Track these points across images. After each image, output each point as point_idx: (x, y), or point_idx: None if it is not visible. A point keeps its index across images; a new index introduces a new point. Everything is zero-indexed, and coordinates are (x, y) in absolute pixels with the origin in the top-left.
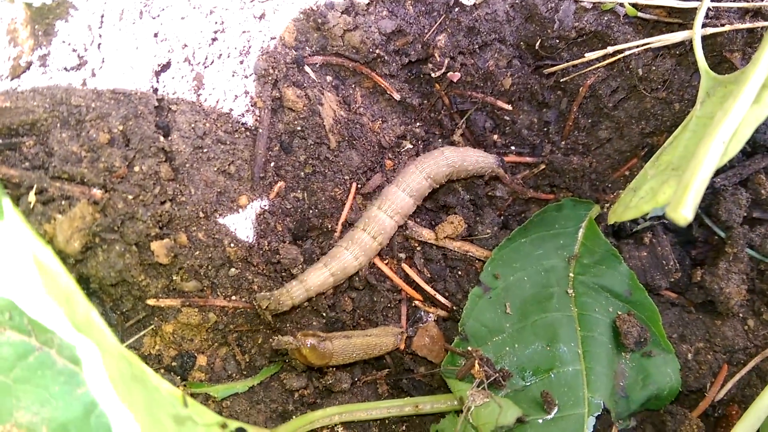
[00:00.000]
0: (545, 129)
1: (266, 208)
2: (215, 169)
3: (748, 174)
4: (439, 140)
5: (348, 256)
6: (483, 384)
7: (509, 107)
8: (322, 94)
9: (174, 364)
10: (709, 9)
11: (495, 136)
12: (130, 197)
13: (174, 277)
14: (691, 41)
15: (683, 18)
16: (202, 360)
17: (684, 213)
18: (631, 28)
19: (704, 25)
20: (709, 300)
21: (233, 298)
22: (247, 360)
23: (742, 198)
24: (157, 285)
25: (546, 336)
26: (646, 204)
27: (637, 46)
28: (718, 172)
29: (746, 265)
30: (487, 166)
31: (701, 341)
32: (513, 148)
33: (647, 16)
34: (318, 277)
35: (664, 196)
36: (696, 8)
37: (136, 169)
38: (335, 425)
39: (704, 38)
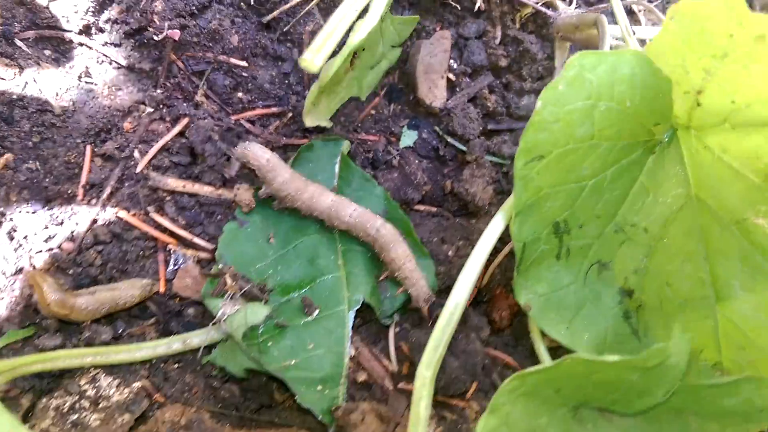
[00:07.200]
0: (286, 81)
1: None
2: None
3: (474, 93)
4: (184, 104)
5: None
6: (234, 295)
7: (245, 63)
8: (39, 64)
9: None
10: None
11: (239, 94)
12: None
13: None
14: None
15: None
16: None
17: (312, 60)
18: None
19: None
20: (463, 205)
21: None
22: None
23: (472, 113)
24: None
25: (308, 255)
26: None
27: None
28: (449, 97)
29: (489, 170)
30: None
31: (461, 240)
32: (260, 103)
33: None
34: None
35: None
36: None
37: None
38: (93, 369)
39: None
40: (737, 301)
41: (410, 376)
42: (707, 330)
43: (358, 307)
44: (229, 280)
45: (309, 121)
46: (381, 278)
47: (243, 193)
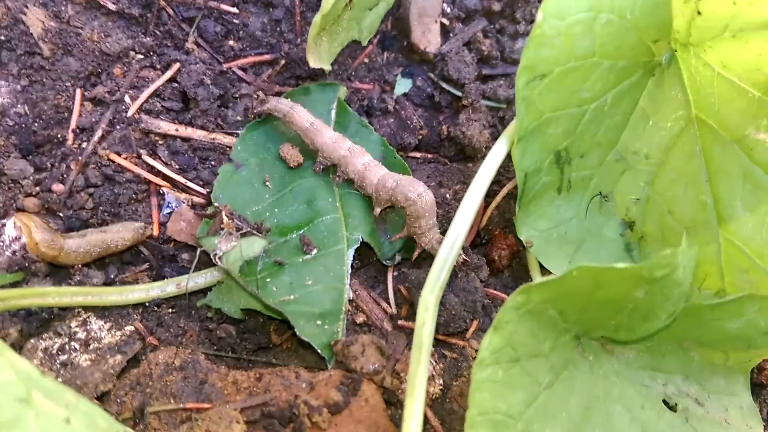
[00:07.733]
0: (278, 28)
1: None
2: None
3: (468, 38)
4: (174, 51)
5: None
6: (231, 232)
7: (236, 10)
8: (26, 6)
9: None
10: None
11: (231, 42)
12: None
13: None
14: None
15: None
16: None
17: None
18: None
19: None
20: (460, 149)
21: None
22: None
23: (467, 57)
24: None
25: (305, 197)
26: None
27: None
28: (442, 42)
29: (485, 114)
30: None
31: (458, 184)
32: (251, 51)
33: None
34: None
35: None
36: None
37: None
38: (84, 313)
39: None
40: (739, 221)
41: (409, 318)
42: (710, 256)
43: (357, 246)
44: (225, 218)
45: (312, 62)
46: (395, 238)
47: (289, 150)
